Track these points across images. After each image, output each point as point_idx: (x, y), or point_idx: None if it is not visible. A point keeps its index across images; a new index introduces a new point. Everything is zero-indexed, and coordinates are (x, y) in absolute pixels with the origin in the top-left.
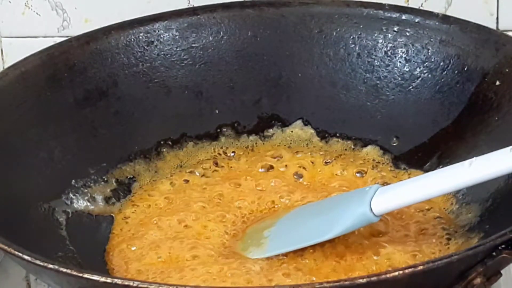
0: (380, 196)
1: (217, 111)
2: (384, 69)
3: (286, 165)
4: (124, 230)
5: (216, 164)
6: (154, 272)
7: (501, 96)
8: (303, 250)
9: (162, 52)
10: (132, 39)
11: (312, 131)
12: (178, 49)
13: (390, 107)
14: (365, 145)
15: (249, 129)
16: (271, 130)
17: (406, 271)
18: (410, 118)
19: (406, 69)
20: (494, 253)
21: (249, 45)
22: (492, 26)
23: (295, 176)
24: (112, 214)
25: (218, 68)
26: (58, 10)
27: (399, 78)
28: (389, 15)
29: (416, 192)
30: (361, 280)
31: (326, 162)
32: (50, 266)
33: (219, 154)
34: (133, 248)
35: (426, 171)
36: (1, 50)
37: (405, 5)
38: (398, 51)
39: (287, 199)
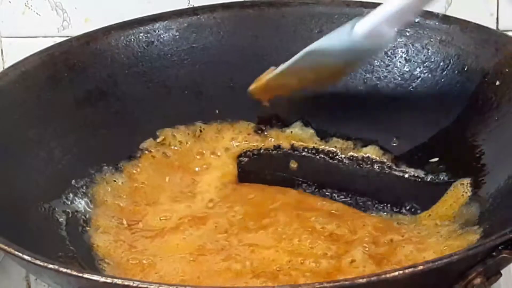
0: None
1: (217, 111)
2: (384, 69)
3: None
4: (123, 229)
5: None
6: (149, 269)
7: (501, 96)
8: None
9: (162, 52)
10: (132, 39)
11: (312, 131)
12: (178, 49)
13: (390, 107)
14: (365, 145)
15: (249, 129)
16: (271, 130)
17: (406, 271)
18: (410, 118)
19: (406, 69)
20: (494, 253)
21: (249, 45)
22: (492, 26)
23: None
24: (111, 214)
25: (218, 68)
26: (58, 10)
27: (399, 78)
28: None
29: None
30: (361, 280)
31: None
32: (50, 266)
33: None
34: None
35: (426, 171)
36: (1, 50)
37: None
38: (398, 51)
39: (285, 202)
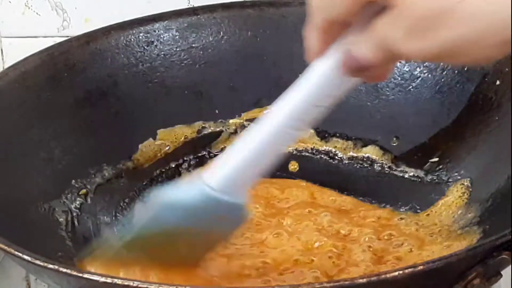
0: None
1: (217, 111)
2: None
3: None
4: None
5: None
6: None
7: (501, 96)
8: None
9: (162, 52)
10: (132, 39)
11: (312, 131)
12: (178, 49)
13: (390, 107)
14: (365, 145)
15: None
16: None
17: (406, 271)
18: (410, 118)
19: (406, 69)
20: (494, 254)
21: (249, 45)
22: None
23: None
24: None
25: (218, 68)
26: (58, 10)
27: (399, 78)
28: None
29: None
30: (361, 280)
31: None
32: (50, 266)
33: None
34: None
35: (426, 171)
36: (1, 50)
37: None
38: None
39: (300, 200)
